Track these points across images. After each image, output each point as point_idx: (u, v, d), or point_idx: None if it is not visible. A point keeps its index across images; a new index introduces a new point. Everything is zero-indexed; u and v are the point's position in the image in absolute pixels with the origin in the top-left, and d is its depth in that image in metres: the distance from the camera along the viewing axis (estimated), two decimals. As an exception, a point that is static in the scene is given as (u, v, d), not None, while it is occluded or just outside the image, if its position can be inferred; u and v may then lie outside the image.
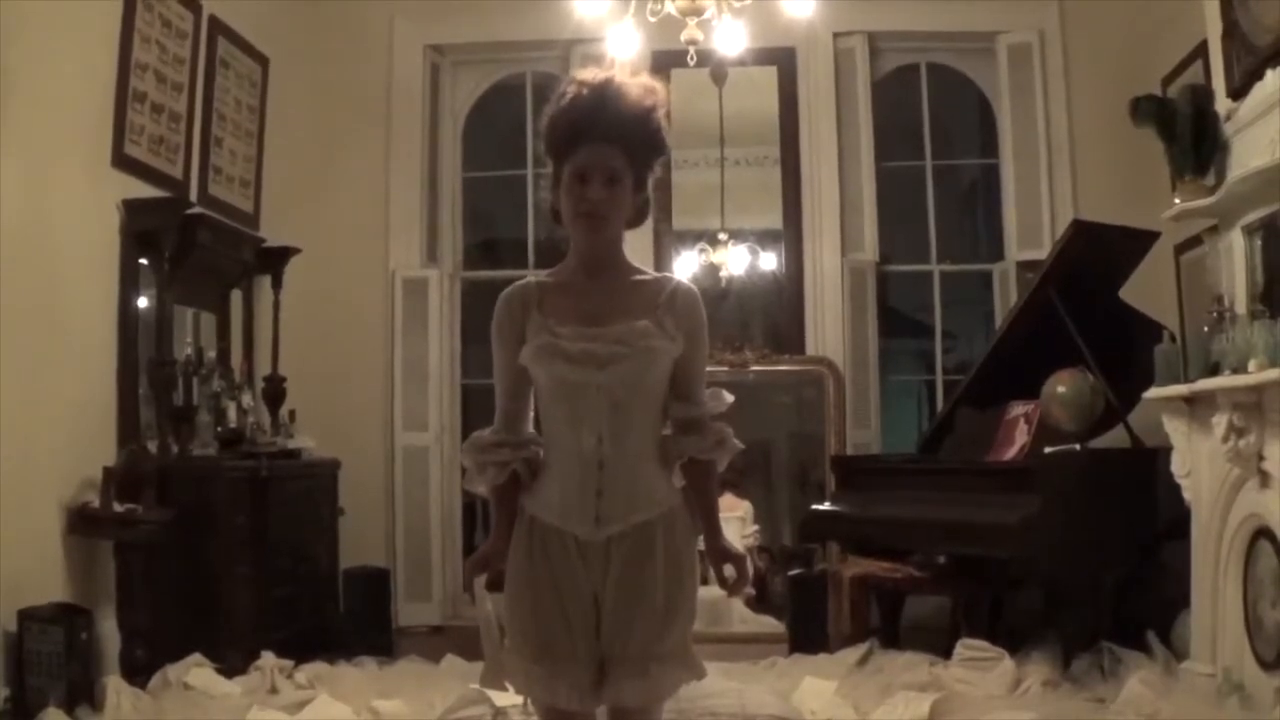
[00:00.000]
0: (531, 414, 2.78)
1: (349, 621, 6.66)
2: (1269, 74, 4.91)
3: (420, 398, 7.64)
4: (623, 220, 2.71)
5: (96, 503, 5.26)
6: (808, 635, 6.17)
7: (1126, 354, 5.58)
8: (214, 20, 6.71)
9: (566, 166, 2.66)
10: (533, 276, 2.80)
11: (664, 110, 2.74)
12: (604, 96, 2.67)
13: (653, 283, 2.74)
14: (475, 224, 8.43)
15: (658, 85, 2.75)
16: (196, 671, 5.20)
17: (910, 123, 8.05)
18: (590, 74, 2.73)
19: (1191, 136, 5.36)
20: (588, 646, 2.64)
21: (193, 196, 6.42)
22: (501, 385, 2.76)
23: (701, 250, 7.75)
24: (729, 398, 2.79)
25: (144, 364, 5.87)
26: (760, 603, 7.25)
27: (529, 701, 2.85)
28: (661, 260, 7.72)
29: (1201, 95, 5.44)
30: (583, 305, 2.68)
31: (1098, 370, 5.60)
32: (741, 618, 6.97)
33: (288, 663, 5.48)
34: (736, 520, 7.30)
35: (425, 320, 7.71)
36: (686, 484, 2.77)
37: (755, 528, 7.43)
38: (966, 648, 5.37)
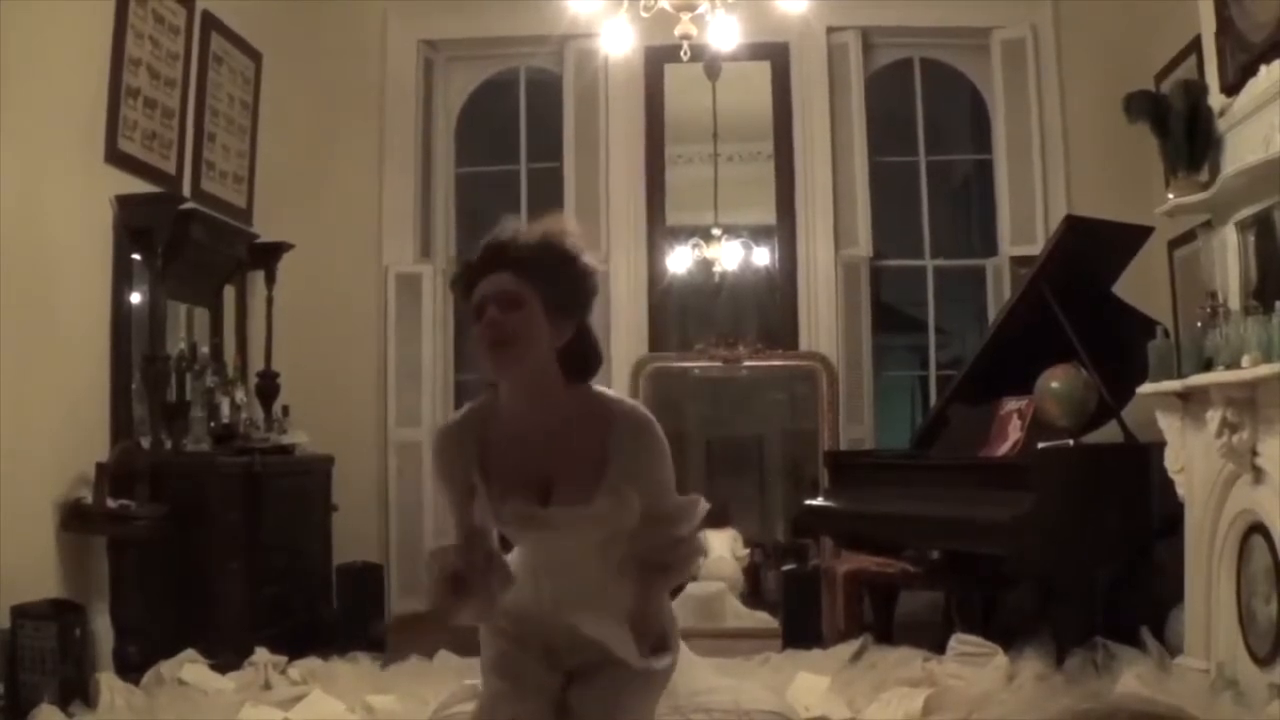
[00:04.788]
0: (493, 536, 2.67)
1: (342, 617, 6.66)
2: (1263, 69, 4.91)
3: (413, 393, 7.64)
4: (540, 348, 2.48)
5: (89, 499, 5.26)
6: (801, 631, 6.17)
7: (1120, 349, 5.57)
8: (207, 15, 6.70)
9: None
10: (468, 414, 2.63)
11: (571, 241, 2.54)
12: (495, 239, 2.54)
13: (596, 420, 2.54)
14: (469, 220, 8.42)
15: (568, 223, 2.58)
16: (190, 668, 5.19)
17: (904, 118, 8.05)
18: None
19: (1185, 132, 5.37)
20: (551, 689, 2.62)
21: (186, 192, 6.41)
22: (452, 517, 2.65)
23: (695, 245, 7.76)
24: (702, 511, 2.65)
25: (137, 359, 5.86)
26: (754, 598, 7.26)
27: None
28: (655, 255, 7.74)
29: (1195, 91, 5.44)
30: (525, 468, 2.54)
31: (1091, 366, 5.60)
32: (735, 613, 6.98)
33: (281, 658, 5.48)
34: (728, 538, 7.29)
35: (419, 316, 7.70)
36: (637, 577, 2.61)
37: (746, 551, 7.40)
38: (960, 643, 5.37)
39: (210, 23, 6.74)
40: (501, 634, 2.70)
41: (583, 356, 2.58)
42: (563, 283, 2.51)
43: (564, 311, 2.51)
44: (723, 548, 7.20)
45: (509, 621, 2.68)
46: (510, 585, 2.64)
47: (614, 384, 6.70)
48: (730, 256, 7.75)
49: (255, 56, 7.33)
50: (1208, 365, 4.76)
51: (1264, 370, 4.25)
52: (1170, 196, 5.51)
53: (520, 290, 2.46)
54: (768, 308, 7.98)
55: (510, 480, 2.54)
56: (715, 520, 6.94)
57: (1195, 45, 5.91)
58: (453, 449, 2.60)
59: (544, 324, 2.47)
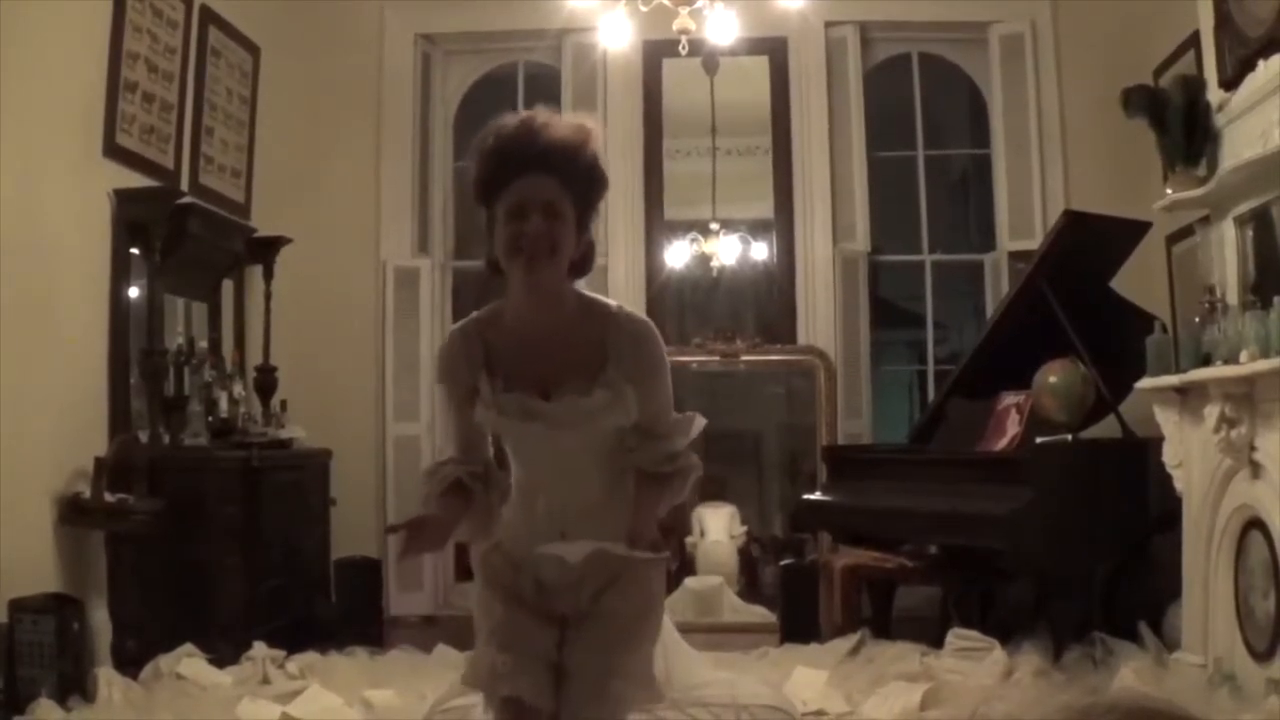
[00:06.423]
0: (489, 448, 2.73)
1: (340, 611, 6.66)
2: (1261, 65, 4.91)
3: (411, 387, 7.63)
4: (566, 260, 2.57)
5: (88, 493, 5.25)
6: (799, 625, 6.18)
7: (1118, 344, 5.58)
8: (205, 9, 6.69)
9: (499, 205, 2.53)
10: (474, 319, 2.69)
11: (599, 144, 2.63)
12: (533, 128, 2.56)
13: (596, 321, 2.64)
14: (466, 214, 8.42)
15: (590, 122, 2.66)
16: (188, 662, 5.19)
17: (902, 113, 8.05)
18: (515, 115, 2.61)
19: (1183, 127, 5.36)
20: (549, 653, 2.62)
21: (184, 186, 6.39)
22: (449, 428, 2.70)
23: (693, 240, 7.75)
24: (699, 426, 2.71)
25: (135, 354, 5.85)
26: (751, 592, 7.27)
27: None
28: (653, 249, 7.73)
29: (1194, 86, 5.44)
30: (528, 366, 2.59)
31: (1089, 360, 5.61)
32: (733, 608, 6.98)
33: (279, 653, 5.48)
34: (725, 516, 7.29)
35: (417, 310, 7.70)
36: (634, 489, 2.64)
37: (744, 530, 7.40)
38: (958, 638, 5.38)
39: (208, 17, 6.73)
40: (497, 590, 2.69)
41: (584, 255, 2.66)
42: (593, 192, 2.63)
43: (587, 220, 2.62)
44: (720, 529, 7.21)
45: (502, 559, 2.69)
46: (506, 499, 2.70)
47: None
48: (728, 251, 7.74)
49: (253, 50, 7.32)
50: (1206, 360, 4.77)
51: (1262, 365, 4.26)
52: (1168, 191, 5.51)
53: (562, 201, 2.53)
54: (765, 302, 7.98)
55: (513, 378, 2.59)
56: (712, 495, 6.98)
57: (1194, 40, 5.91)
58: (459, 351, 2.66)
59: (573, 236, 2.56)
